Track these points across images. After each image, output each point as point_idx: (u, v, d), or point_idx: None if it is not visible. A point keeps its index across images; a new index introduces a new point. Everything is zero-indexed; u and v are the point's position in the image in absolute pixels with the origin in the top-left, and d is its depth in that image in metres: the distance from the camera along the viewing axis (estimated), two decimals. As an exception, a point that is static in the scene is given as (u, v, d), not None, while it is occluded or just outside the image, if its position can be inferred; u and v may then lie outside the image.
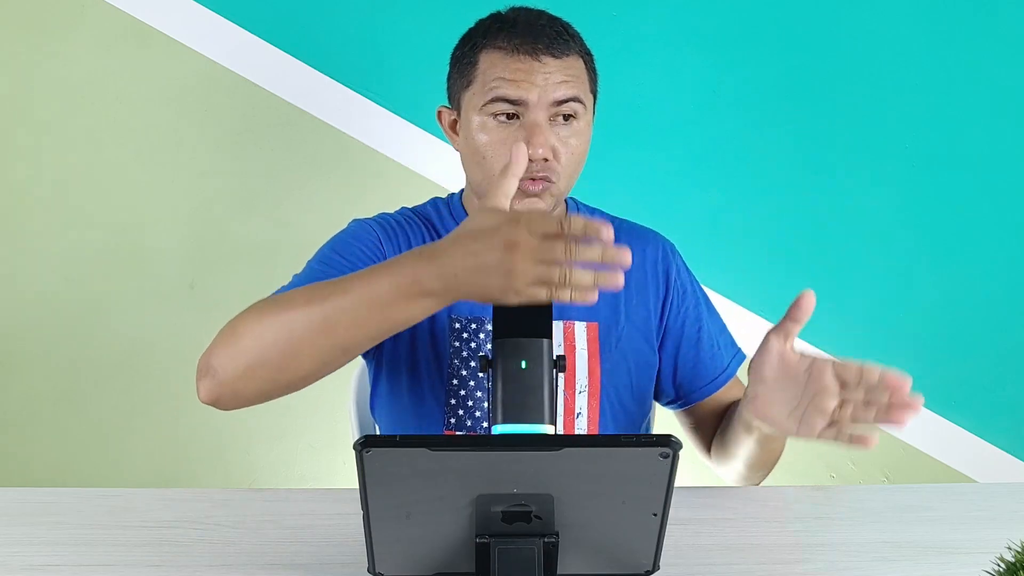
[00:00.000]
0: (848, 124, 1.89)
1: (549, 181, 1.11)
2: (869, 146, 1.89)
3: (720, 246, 1.89)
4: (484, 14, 1.19)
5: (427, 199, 1.30)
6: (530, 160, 1.08)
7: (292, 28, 1.84)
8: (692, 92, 1.87)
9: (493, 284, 0.83)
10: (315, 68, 1.84)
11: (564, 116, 1.11)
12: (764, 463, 1.16)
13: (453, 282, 0.85)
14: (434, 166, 1.84)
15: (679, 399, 1.27)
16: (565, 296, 0.82)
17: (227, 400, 0.96)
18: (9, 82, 1.84)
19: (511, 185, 0.88)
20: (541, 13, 1.16)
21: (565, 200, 1.28)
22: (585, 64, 1.16)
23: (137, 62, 1.84)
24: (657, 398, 1.30)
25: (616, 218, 1.30)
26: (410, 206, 1.28)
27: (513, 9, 1.17)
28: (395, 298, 0.88)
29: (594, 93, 1.19)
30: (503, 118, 1.11)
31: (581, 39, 1.18)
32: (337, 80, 1.84)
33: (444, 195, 1.31)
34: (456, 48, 1.19)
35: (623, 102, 1.85)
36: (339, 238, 1.19)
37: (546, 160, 1.10)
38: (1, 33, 1.82)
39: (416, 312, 0.89)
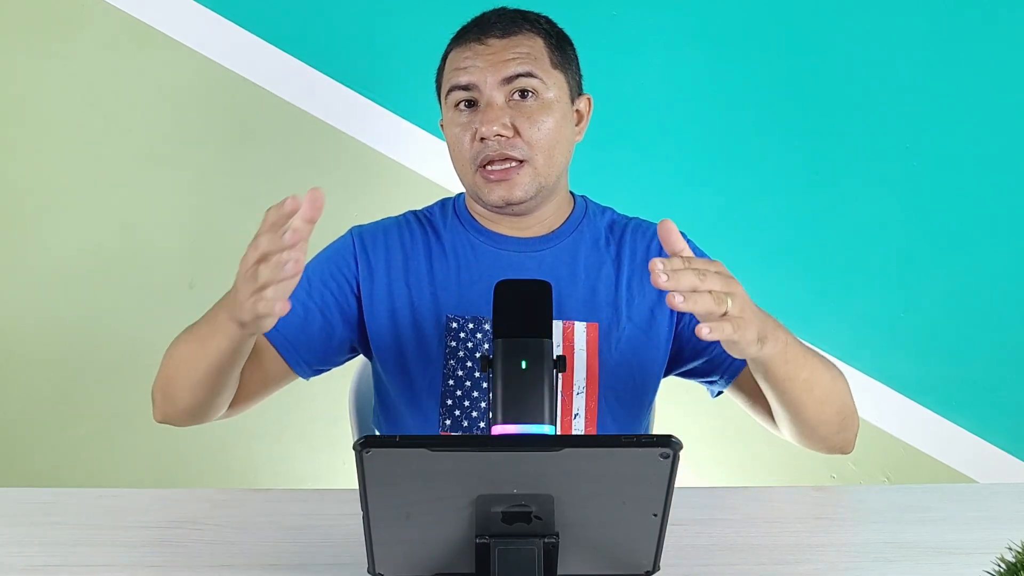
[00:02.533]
0: (848, 124, 1.89)
1: (516, 160, 1.12)
2: (869, 146, 1.89)
3: (719, 245, 1.88)
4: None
5: (426, 198, 1.30)
6: (484, 139, 1.12)
7: (292, 28, 1.83)
8: (692, 92, 1.87)
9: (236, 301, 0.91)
10: (315, 68, 1.84)
11: (522, 93, 1.13)
12: (810, 411, 1.07)
13: (228, 303, 0.95)
14: (434, 166, 1.84)
15: (720, 377, 1.21)
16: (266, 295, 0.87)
17: (173, 419, 1.12)
18: (9, 82, 1.84)
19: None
20: (502, 9, 1.19)
21: (573, 196, 1.27)
22: (546, 43, 1.16)
23: (137, 62, 1.84)
24: (705, 381, 1.24)
25: (626, 217, 1.29)
26: (414, 206, 1.29)
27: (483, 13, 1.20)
28: (209, 331, 1.01)
29: (565, 71, 1.18)
30: (463, 107, 1.15)
31: (545, 22, 1.19)
32: (337, 80, 1.84)
33: (445, 195, 1.31)
34: None
35: (623, 102, 1.85)
36: (318, 258, 1.23)
37: (504, 137, 1.11)
38: (2, 33, 1.82)
39: (223, 342, 0.99)
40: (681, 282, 0.83)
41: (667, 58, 1.86)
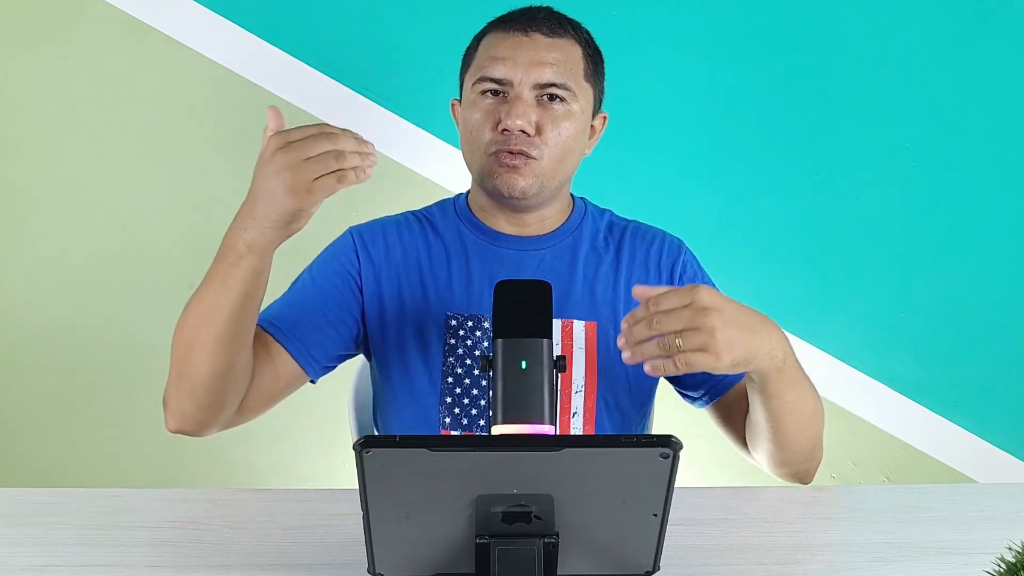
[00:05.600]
0: (848, 124, 1.89)
1: (529, 156, 1.13)
2: (869, 146, 1.89)
3: (719, 245, 1.88)
4: (486, 14, 1.20)
5: (426, 199, 1.31)
6: (507, 131, 1.13)
7: (292, 28, 1.84)
8: (692, 91, 1.87)
9: (279, 193, 0.90)
10: (315, 68, 1.84)
11: (550, 96, 1.14)
12: (787, 434, 1.09)
13: (253, 221, 0.94)
14: (435, 167, 1.84)
15: (704, 394, 1.23)
16: (348, 177, 0.91)
17: (187, 426, 1.06)
18: (9, 82, 1.84)
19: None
20: (550, 8, 1.20)
21: (573, 198, 1.28)
22: (584, 53, 1.18)
23: (137, 62, 1.84)
24: (687, 395, 1.25)
25: (624, 219, 1.29)
26: (414, 206, 1.29)
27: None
28: (224, 271, 0.97)
29: (594, 85, 1.20)
30: (490, 94, 1.15)
31: (585, 33, 1.21)
32: (338, 80, 1.84)
33: (445, 195, 1.31)
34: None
35: (623, 102, 1.84)
36: (320, 257, 1.24)
37: (526, 134, 1.12)
38: (1, 33, 1.82)
39: (244, 274, 0.96)
40: (631, 337, 0.92)
41: (668, 57, 1.86)
